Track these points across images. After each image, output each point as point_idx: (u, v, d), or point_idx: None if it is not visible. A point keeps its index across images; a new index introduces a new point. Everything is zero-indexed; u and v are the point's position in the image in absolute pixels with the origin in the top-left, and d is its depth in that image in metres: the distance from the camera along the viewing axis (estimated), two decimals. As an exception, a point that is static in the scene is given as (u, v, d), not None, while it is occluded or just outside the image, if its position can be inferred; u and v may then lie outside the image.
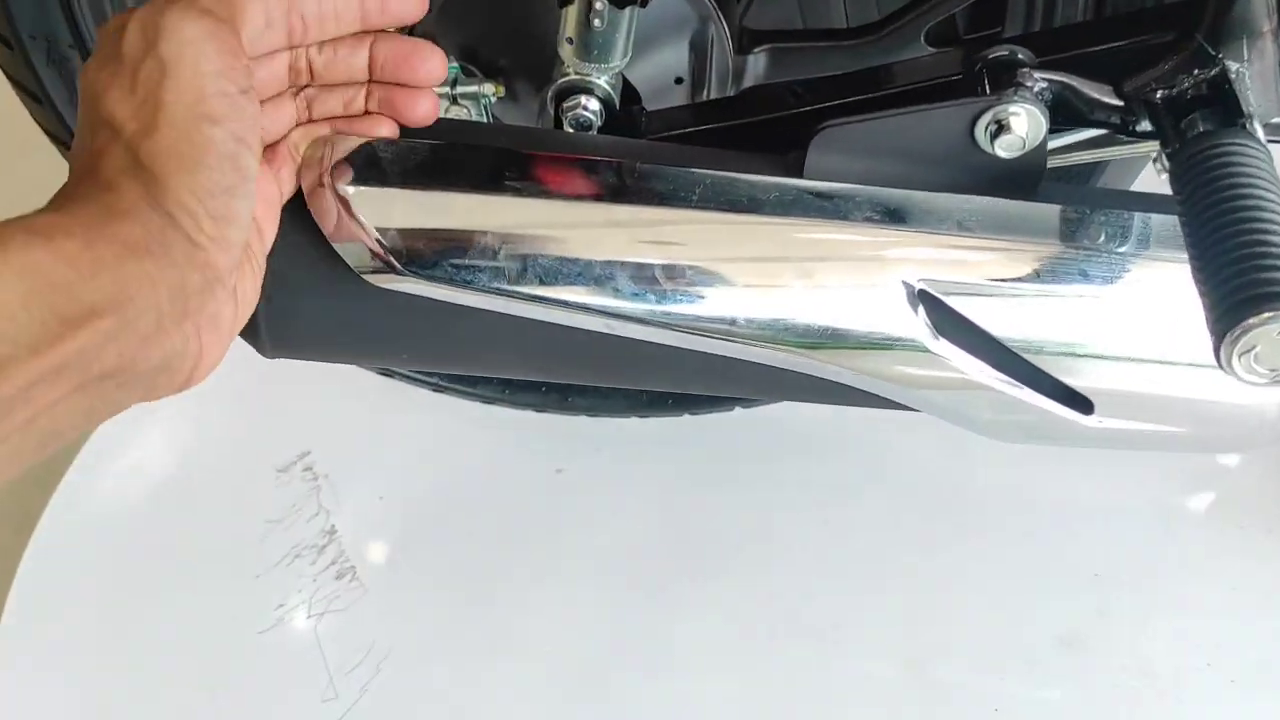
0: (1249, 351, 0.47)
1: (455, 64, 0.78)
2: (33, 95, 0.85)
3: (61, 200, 0.45)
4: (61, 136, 0.88)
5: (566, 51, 0.67)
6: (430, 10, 0.79)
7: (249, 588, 1.07)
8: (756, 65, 0.85)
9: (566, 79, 0.68)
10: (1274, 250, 0.47)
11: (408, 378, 1.11)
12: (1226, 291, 0.47)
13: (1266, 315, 0.46)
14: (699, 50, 0.79)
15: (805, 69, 0.85)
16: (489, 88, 0.78)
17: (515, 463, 1.17)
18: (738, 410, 1.12)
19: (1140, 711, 0.95)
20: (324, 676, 1.02)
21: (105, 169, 0.46)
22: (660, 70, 0.79)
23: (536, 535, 1.12)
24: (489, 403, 1.12)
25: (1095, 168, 0.81)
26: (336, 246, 0.55)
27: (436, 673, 1.01)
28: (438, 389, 1.11)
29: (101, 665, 1.02)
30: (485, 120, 0.79)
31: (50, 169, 0.91)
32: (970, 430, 0.64)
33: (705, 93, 0.82)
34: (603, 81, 0.68)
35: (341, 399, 1.21)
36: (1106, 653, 0.98)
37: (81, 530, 1.12)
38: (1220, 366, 0.48)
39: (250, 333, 0.60)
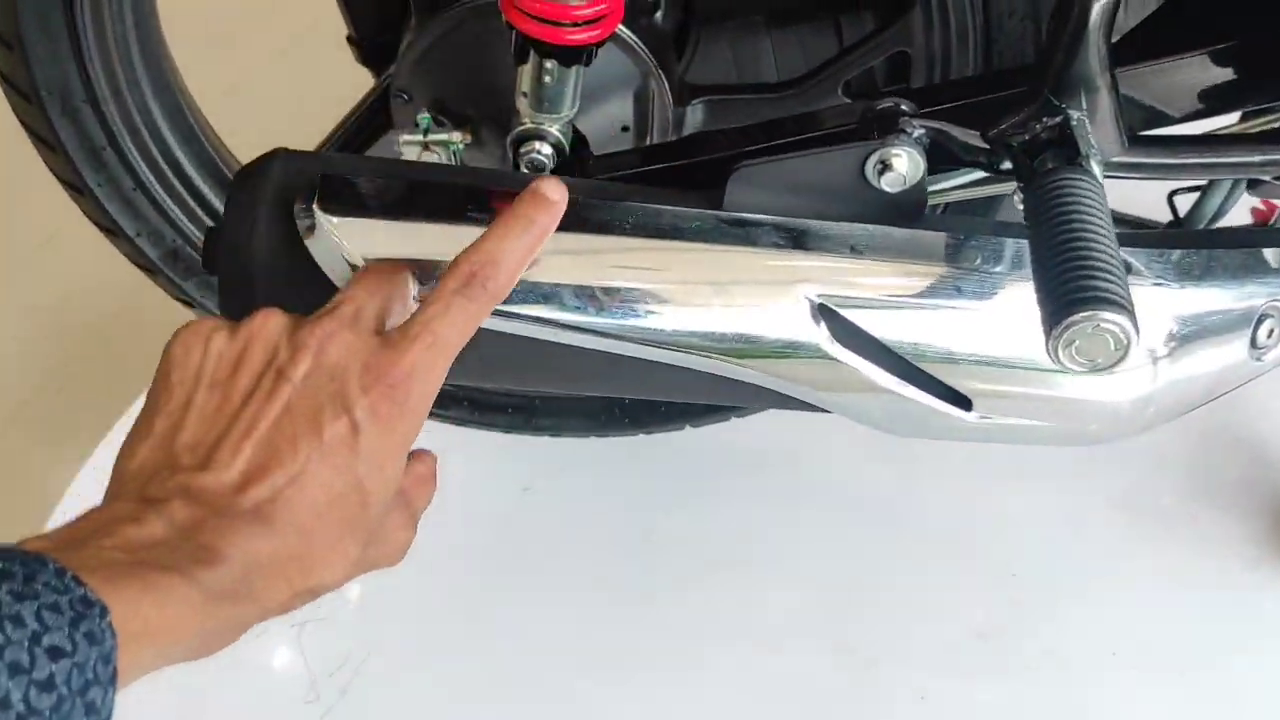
0: (1071, 345, 0.58)
1: (427, 115, 0.89)
2: (48, 144, 0.95)
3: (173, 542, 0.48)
4: (74, 183, 0.98)
5: (522, 104, 0.78)
6: (406, 66, 0.90)
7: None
8: (695, 115, 0.96)
9: (523, 128, 0.79)
10: (1090, 264, 0.58)
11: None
12: (1054, 297, 0.58)
13: (1081, 315, 0.57)
14: (642, 102, 0.90)
15: (737, 118, 0.96)
16: (457, 136, 0.88)
17: (485, 482, 1.26)
18: (688, 430, 1.22)
19: (1053, 695, 1.05)
20: (306, 679, 1.10)
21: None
22: (608, 119, 0.90)
23: (507, 551, 1.20)
24: (459, 424, 1.22)
25: (991, 201, 0.92)
26: (325, 271, 0.65)
27: (413, 677, 1.10)
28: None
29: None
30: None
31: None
32: (870, 426, 0.74)
33: (649, 139, 0.93)
34: (554, 130, 0.79)
35: None
36: (1020, 643, 1.08)
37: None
38: (1051, 358, 0.58)
39: None
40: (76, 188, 0.98)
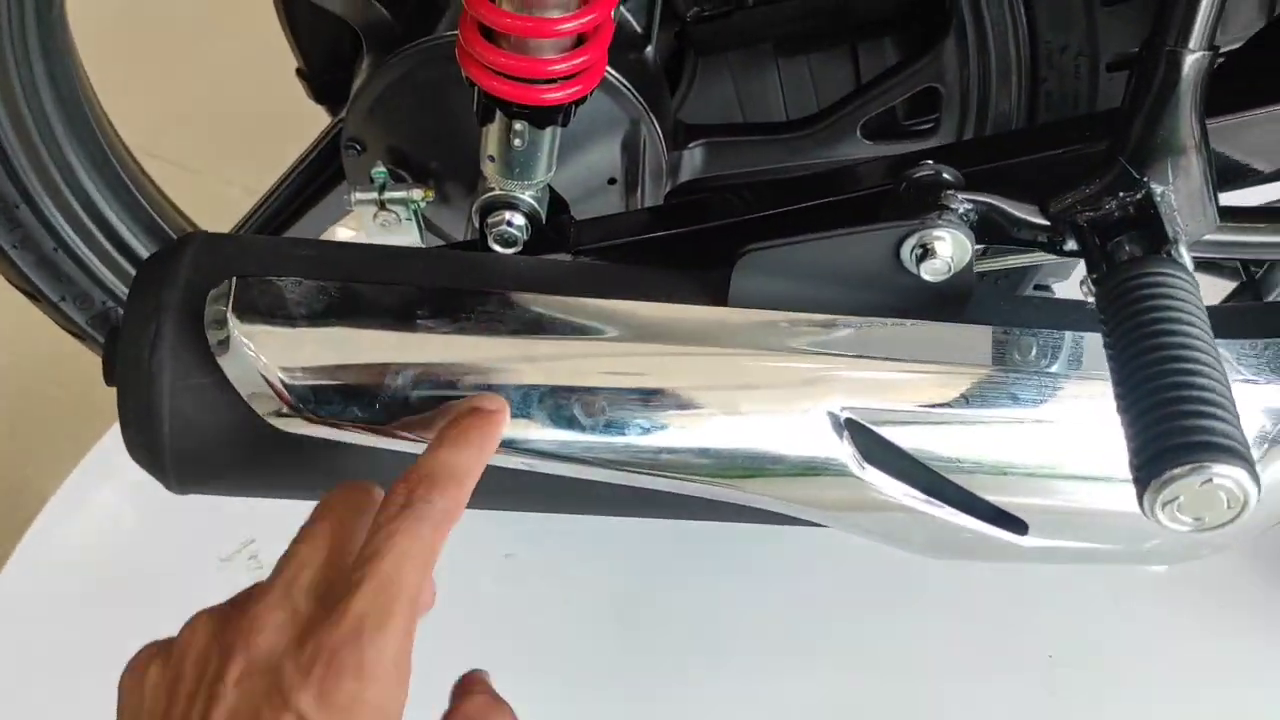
0: (1172, 501, 0.46)
1: (383, 169, 0.76)
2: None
3: None
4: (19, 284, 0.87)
5: (489, 169, 0.65)
6: (357, 114, 0.78)
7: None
8: (693, 159, 0.84)
9: (490, 194, 0.66)
10: (1198, 395, 0.46)
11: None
12: (1149, 439, 0.46)
13: (1189, 467, 0.45)
14: (631, 150, 0.78)
15: (741, 162, 0.84)
16: (418, 193, 0.76)
17: (463, 548, 1.14)
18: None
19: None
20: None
21: None
22: (592, 172, 0.78)
23: (485, 621, 1.10)
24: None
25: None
26: (240, 390, 0.53)
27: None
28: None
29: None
30: (416, 225, 0.78)
31: None
32: (908, 551, 0.63)
33: (640, 190, 0.81)
34: (527, 197, 0.66)
35: None
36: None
37: (22, 625, 1.09)
38: (1144, 514, 0.47)
39: (158, 470, 0.58)
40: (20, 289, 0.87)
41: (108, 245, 0.89)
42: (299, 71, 0.91)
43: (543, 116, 0.61)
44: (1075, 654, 1.02)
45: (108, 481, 1.23)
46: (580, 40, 0.59)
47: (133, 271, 0.90)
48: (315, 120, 0.92)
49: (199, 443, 0.56)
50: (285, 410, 0.53)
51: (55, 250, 0.87)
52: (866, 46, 0.85)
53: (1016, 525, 0.60)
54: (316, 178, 0.87)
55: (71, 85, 0.83)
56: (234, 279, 0.53)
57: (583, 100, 0.61)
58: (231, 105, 1.66)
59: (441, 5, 0.76)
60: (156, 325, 0.54)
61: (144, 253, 0.90)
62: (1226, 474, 0.44)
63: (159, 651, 0.50)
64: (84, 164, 0.85)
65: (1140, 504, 0.46)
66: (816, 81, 0.86)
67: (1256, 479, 0.45)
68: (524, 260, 0.65)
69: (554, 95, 0.59)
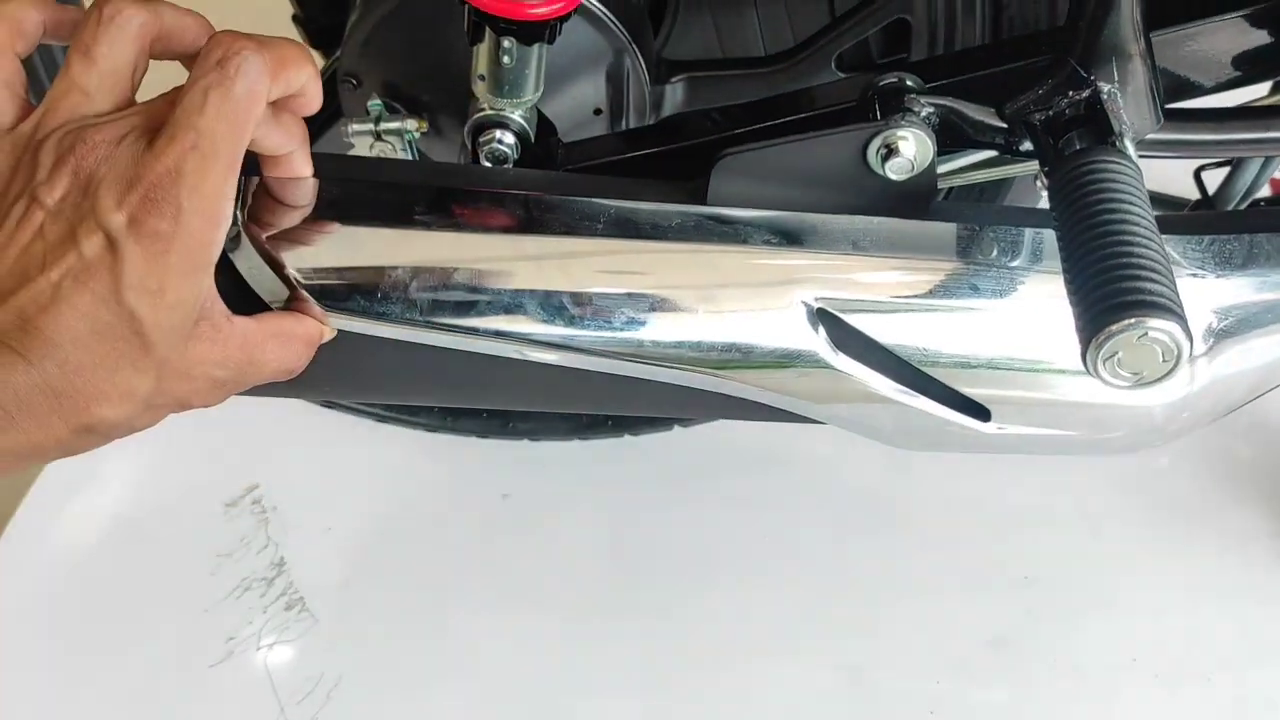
0: (1112, 357, 0.50)
1: (378, 101, 0.80)
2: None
3: None
4: None
5: (480, 88, 0.69)
6: (353, 47, 0.82)
7: (199, 621, 1.07)
8: (675, 94, 0.87)
9: (481, 114, 0.70)
10: (1135, 260, 0.50)
11: (351, 409, 1.12)
12: (1092, 301, 0.50)
13: (1127, 322, 0.49)
14: (615, 81, 0.81)
15: (722, 97, 0.88)
16: (412, 124, 0.80)
17: (461, 490, 1.18)
18: (677, 430, 1.15)
19: (1072, 708, 0.98)
20: (274, 706, 1.03)
21: None
22: (578, 103, 0.82)
23: (485, 562, 1.13)
24: (433, 431, 1.14)
25: (1002, 185, 0.84)
26: (255, 287, 0.57)
27: (386, 699, 1.03)
28: (381, 419, 1.13)
29: (54, 699, 1.03)
30: (410, 156, 0.81)
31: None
32: (878, 440, 0.67)
33: (624, 122, 0.84)
34: (517, 116, 0.70)
35: (288, 432, 1.22)
36: (1035, 652, 1.01)
37: (31, 570, 1.13)
38: (1087, 371, 0.51)
39: None
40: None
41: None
42: (295, 18, 0.95)
43: (530, 33, 0.65)
44: (1051, 576, 1.07)
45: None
46: (564, -40, 0.63)
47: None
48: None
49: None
50: (293, 299, 0.57)
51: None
52: (840, -19, 0.89)
53: (980, 413, 0.64)
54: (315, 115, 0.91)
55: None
56: (245, 177, 0.57)
57: (566, 17, 0.65)
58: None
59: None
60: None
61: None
62: (1161, 328, 0.48)
63: (7, 133, 0.51)
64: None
65: (1084, 361, 0.50)
66: (792, 17, 0.90)
67: (1189, 333, 0.49)
68: (516, 170, 0.69)
69: (539, 10, 0.63)
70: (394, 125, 0.80)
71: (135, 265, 0.47)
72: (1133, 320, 0.49)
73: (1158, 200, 0.88)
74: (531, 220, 0.58)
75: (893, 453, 1.12)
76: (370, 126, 0.80)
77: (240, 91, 0.49)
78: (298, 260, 0.57)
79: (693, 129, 0.71)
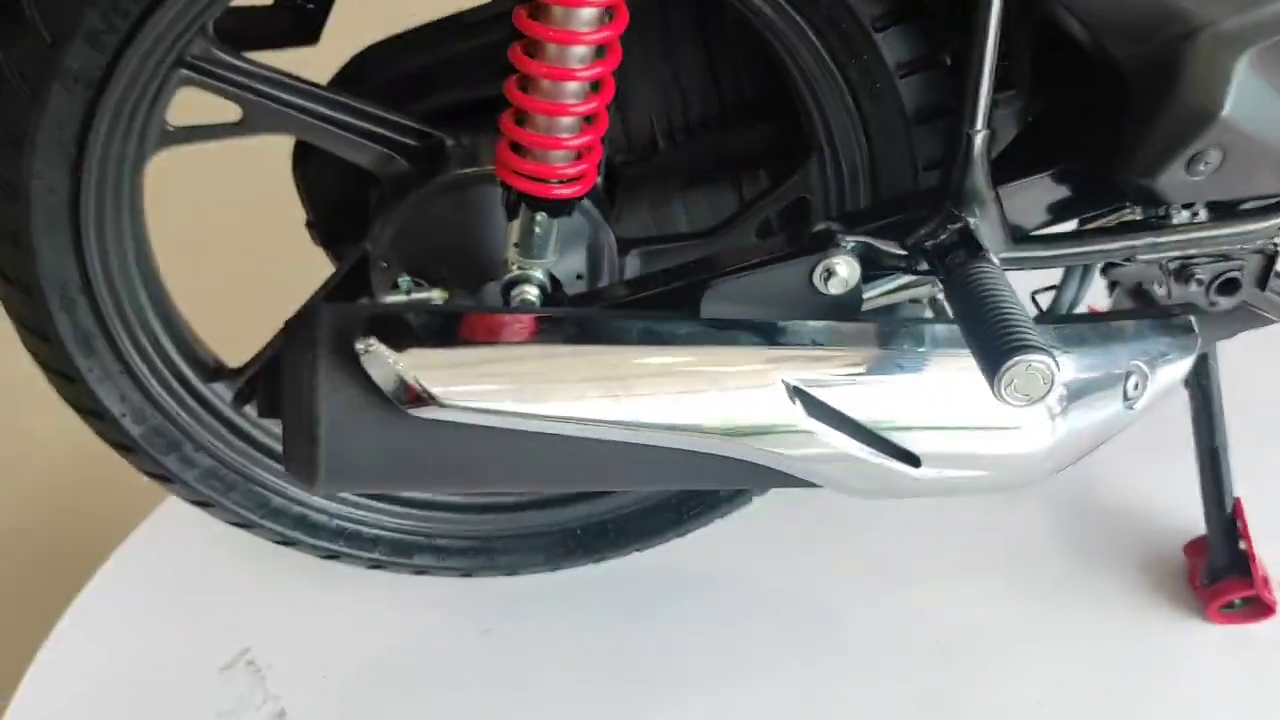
0: (1010, 384, 0.73)
1: (407, 277, 1.01)
2: (42, 336, 1.02)
3: None
4: (67, 373, 1.05)
5: (513, 253, 0.91)
6: (384, 239, 1.03)
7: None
8: (633, 263, 1.11)
9: (513, 274, 0.92)
10: (1014, 323, 0.75)
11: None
12: (990, 351, 0.74)
13: (1016, 360, 0.73)
14: (594, 252, 1.04)
15: (668, 264, 1.11)
16: (436, 293, 1.01)
17: (445, 627, 1.30)
18: (635, 555, 1.31)
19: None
20: None
21: None
22: (567, 269, 1.04)
23: (471, 696, 1.22)
24: (420, 574, 1.28)
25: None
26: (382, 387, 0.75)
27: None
28: (374, 565, 1.26)
29: None
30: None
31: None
32: (839, 490, 0.88)
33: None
34: (539, 274, 0.92)
35: (272, 590, 1.31)
36: (957, 700, 1.19)
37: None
38: (995, 397, 0.74)
39: (310, 471, 0.78)
40: (68, 378, 1.04)
41: (164, 369, 1.09)
42: (308, 224, 1.15)
43: (555, 208, 0.87)
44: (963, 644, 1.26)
45: (107, 612, 1.34)
46: (579, 155, 0.87)
47: (179, 389, 1.10)
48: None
49: (349, 440, 0.77)
50: (417, 399, 0.76)
51: (121, 373, 1.06)
52: (747, 176, 1.15)
53: (913, 460, 0.87)
54: (339, 298, 1.10)
55: (142, 237, 1.04)
56: (366, 314, 0.77)
57: (582, 198, 0.88)
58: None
59: (443, 157, 1.03)
60: (312, 355, 0.76)
61: (188, 372, 1.10)
62: (1040, 360, 0.73)
63: None
64: (149, 301, 1.06)
65: (992, 390, 0.74)
66: (710, 201, 1.15)
67: (1057, 363, 0.73)
68: (566, 308, 0.91)
69: (565, 191, 0.86)
70: (421, 296, 1.01)
71: None
72: (1021, 358, 0.72)
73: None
74: (586, 336, 0.80)
75: (815, 571, 1.30)
76: (402, 297, 1.00)
77: None
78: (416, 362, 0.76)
79: (676, 274, 0.93)
